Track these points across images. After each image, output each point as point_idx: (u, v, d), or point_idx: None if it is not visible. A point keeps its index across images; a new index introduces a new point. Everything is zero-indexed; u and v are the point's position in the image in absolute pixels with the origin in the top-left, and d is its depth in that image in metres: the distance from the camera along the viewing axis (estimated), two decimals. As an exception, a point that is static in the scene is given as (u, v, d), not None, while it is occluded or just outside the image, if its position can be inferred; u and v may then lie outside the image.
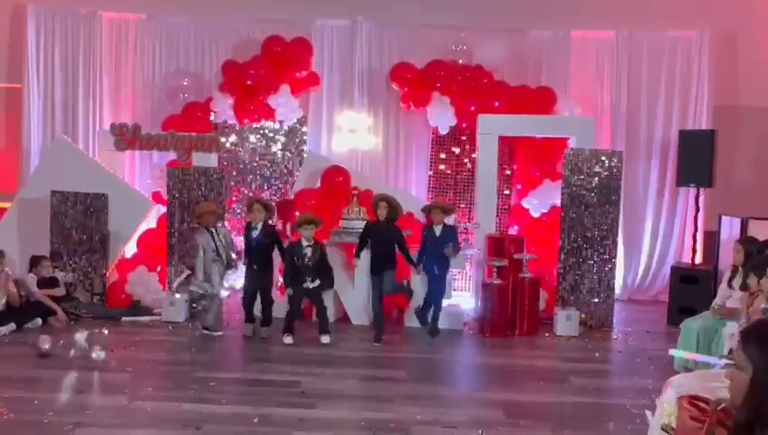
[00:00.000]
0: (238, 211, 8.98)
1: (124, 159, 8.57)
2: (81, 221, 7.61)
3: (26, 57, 8.80)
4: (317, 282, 6.55)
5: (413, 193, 8.71)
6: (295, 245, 6.58)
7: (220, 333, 6.58)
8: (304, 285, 6.52)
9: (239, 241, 7.21)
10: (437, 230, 6.71)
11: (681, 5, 8.59)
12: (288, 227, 7.89)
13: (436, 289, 6.75)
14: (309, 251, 6.50)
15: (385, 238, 6.66)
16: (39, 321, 6.84)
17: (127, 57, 8.97)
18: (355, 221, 7.13)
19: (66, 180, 7.66)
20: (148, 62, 8.98)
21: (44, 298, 6.95)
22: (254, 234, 6.63)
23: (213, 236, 6.58)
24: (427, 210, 6.92)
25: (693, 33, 8.76)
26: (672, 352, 4.60)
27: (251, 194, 8.94)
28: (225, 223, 7.66)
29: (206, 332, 6.59)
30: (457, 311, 7.32)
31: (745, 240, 5.83)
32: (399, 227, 6.77)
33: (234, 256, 6.78)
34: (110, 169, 8.06)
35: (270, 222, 6.86)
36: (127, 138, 8.06)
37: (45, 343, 5.84)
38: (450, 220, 7.02)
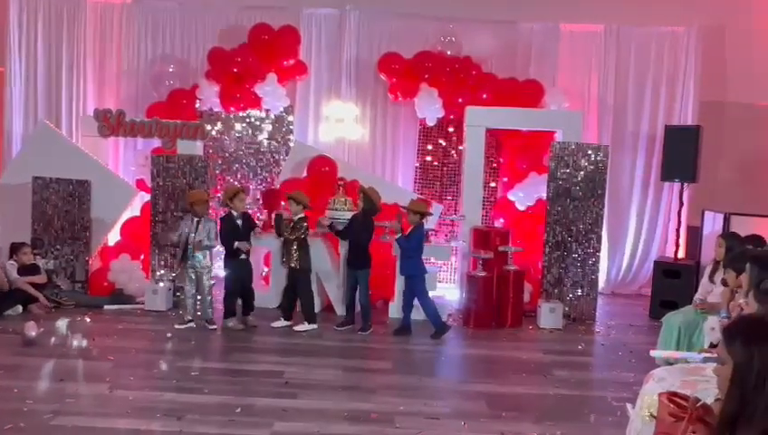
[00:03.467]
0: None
1: (108, 146, 8.46)
2: (63, 208, 7.51)
3: (8, 40, 8.65)
4: (294, 263, 6.57)
5: (399, 184, 8.70)
6: (279, 216, 6.75)
7: (215, 327, 6.54)
8: (283, 259, 6.67)
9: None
10: (409, 232, 6.62)
11: (670, 1, 8.62)
12: (274, 215, 7.88)
13: (417, 291, 6.61)
14: (289, 228, 6.58)
15: (357, 231, 6.66)
16: (20, 308, 6.78)
17: (111, 42, 8.84)
18: (341, 212, 7.11)
19: (48, 166, 7.55)
20: (133, 48, 8.86)
21: (25, 285, 6.88)
22: (240, 222, 6.60)
23: (197, 227, 6.50)
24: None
25: (681, 29, 8.80)
26: (653, 353, 4.63)
27: (236, 183, 8.89)
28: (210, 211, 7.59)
29: (208, 324, 6.53)
30: (442, 302, 7.33)
31: (728, 235, 5.88)
32: (373, 222, 6.70)
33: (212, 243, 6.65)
34: (94, 155, 7.95)
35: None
36: (111, 124, 7.95)
37: (32, 329, 5.78)
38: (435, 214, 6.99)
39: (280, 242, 6.76)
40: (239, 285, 6.65)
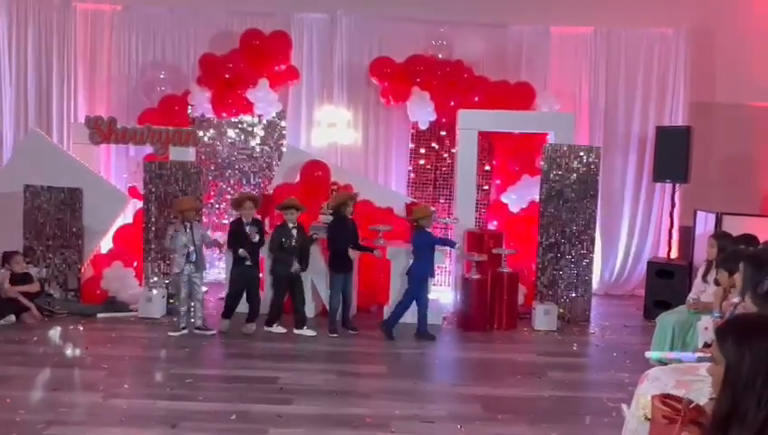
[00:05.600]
0: (217, 206, 8.90)
1: (99, 153, 8.43)
2: (55, 216, 7.47)
3: (-2, 48, 8.64)
4: (300, 265, 6.65)
5: (393, 188, 8.70)
6: (282, 227, 6.68)
7: (214, 332, 6.52)
8: (292, 270, 6.60)
9: (218, 236, 7.14)
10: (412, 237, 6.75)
11: (659, 3, 8.66)
12: (267, 221, 7.85)
13: (417, 297, 6.66)
14: (294, 232, 6.62)
15: (345, 236, 6.68)
16: (12, 318, 6.73)
17: (102, 49, 8.81)
18: (334, 216, 7.09)
19: (40, 174, 7.50)
20: (124, 55, 8.83)
21: (18, 295, 6.83)
22: (248, 229, 6.58)
23: (188, 232, 6.49)
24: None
25: (670, 31, 8.84)
26: (648, 354, 4.64)
27: (229, 189, 8.88)
28: (203, 218, 7.58)
29: (199, 331, 6.50)
30: (437, 305, 7.31)
31: (719, 235, 5.90)
32: (346, 223, 6.74)
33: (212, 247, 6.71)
34: (85, 162, 7.92)
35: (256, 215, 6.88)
36: (102, 131, 7.91)
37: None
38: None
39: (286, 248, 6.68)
40: (241, 290, 6.66)
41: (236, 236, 6.59)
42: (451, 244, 7.06)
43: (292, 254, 6.62)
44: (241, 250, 6.50)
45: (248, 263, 6.57)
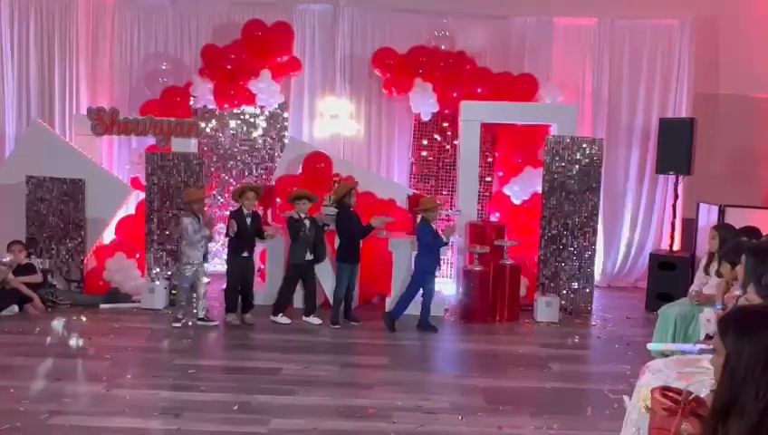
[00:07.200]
0: (219, 198, 8.90)
1: (102, 144, 8.43)
2: (57, 207, 7.48)
3: (0, 39, 8.61)
4: (314, 256, 6.76)
5: (395, 179, 8.69)
6: (296, 219, 6.69)
7: (216, 323, 6.55)
8: (306, 258, 6.68)
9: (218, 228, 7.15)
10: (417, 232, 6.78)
11: (662, -6, 8.63)
12: (269, 213, 7.86)
13: (423, 289, 6.70)
14: (308, 223, 6.70)
15: (351, 226, 6.73)
16: (15, 308, 6.76)
17: (104, 40, 8.79)
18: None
19: (42, 165, 7.51)
20: (126, 46, 8.82)
21: (21, 285, 6.85)
22: (249, 220, 6.61)
23: (199, 221, 6.55)
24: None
25: (674, 22, 8.80)
26: (649, 346, 4.64)
27: (231, 180, 8.88)
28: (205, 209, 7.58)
29: (202, 322, 6.52)
30: (439, 297, 7.32)
31: (721, 227, 5.89)
32: (349, 215, 6.80)
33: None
34: (88, 153, 7.92)
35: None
36: (104, 122, 7.91)
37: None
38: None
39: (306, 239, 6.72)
40: (240, 282, 6.68)
41: (238, 226, 6.58)
42: (439, 243, 6.78)
43: (306, 244, 6.66)
44: (232, 222, 6.50)
45: (245, 255, 6.60)
